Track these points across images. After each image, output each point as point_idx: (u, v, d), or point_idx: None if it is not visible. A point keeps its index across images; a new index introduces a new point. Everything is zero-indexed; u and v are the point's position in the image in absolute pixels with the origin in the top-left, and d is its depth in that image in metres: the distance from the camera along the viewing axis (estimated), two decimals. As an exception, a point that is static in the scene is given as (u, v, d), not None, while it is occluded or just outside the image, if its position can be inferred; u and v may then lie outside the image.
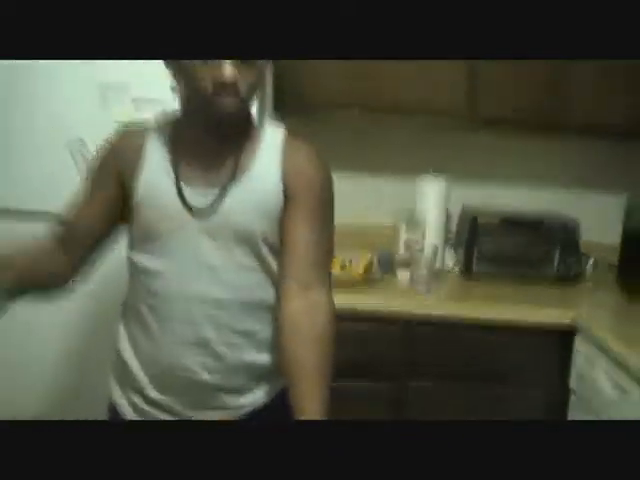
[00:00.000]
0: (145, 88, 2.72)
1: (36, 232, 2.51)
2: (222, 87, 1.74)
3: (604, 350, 2.62)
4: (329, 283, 1.97)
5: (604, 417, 2.60)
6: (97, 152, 2.00)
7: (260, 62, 1.86)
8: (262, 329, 1.94)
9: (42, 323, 2.85)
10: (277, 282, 1.93)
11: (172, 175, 1.88)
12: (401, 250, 3.38)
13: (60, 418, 2.80)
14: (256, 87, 1.86)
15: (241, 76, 1.75)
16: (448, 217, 3.57)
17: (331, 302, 1.92)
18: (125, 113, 2.59)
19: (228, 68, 1.73)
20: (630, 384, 2.38)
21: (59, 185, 2.51)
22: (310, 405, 1.78)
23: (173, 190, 1.87)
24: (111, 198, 1.93)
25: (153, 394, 1.93)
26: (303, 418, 1.78)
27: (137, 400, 1.96)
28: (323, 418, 1.79)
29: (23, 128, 2.81)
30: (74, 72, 2.77)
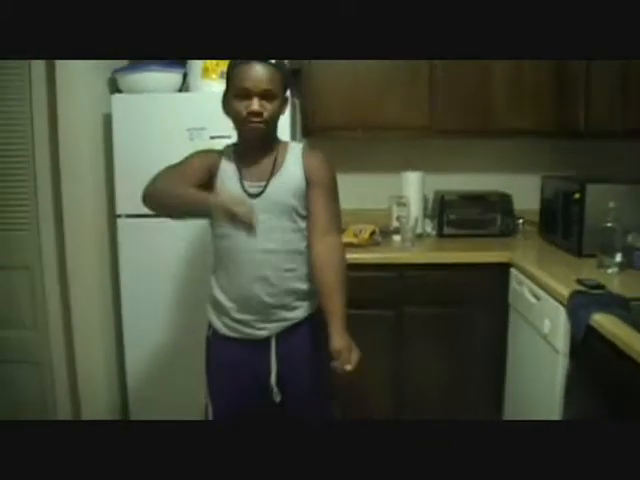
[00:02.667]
0: (217, 129, 2.96)
1: (153, 229, 2.98)
2: (252, 114, 2.11)
3: (527, 275, 2.95)
4: (339, 233, 2.29)
5: (526, 315, 2.93)
6: (196, 152, 2.31)
7: (279, 97, 2.17)
8: (300, 267, 2.26)
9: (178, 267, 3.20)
10: (307, 235, 2.25)
11: (237, 175, 2.23)
12: (394, 222, 3.68)
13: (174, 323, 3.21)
14: (276, 115, 2.19)
15: (264, 108, 2.12)
16: (425, 198, 3.86)
17: (342, 244, 2.26)
18: (205, 145, 2.66)
19: (256, 102, 2.10)
20: (541, 293, 2.73)
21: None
22: (335, 307, 2.11)
23: (238, 184, 2.21)
24: (204, 174, 2.25)
25: (236, 314, 2.26)
26: (330, 316, 2.10)
27: (226, 320, 2.29)
28: (344, 315, 2.10)
29: (140, 155, 3.09)
30: (171, 120, 3.14)
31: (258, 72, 2.11)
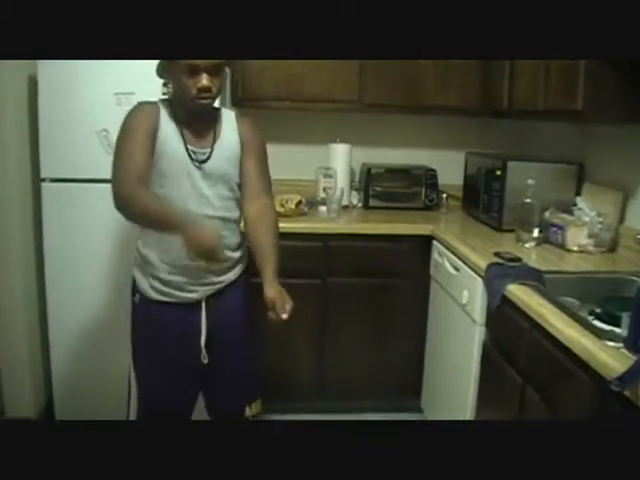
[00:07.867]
0: (145, 94, 2.67)
1: (78, 194, 2.95)
2: (202, 90, 2.12)
3: (448, 247, 3.02)
4: (272, 196, 2.42)
5: (445, 286, 3.01)
6: (130, 115, 2.20)
7: (224, 73, 2.20)
8: (231, 235, 2.31)
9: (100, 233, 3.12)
10: (241, 199, 2.33)
11: (180, 138, 2.21)
12: (320, 193, 3.76)
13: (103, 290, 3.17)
14: (221, 89, 2.22)
15: (213, 83, 2.13)
16: (352, 170, 3.91)
17: (274, 205, 2.41)
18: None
19: (205, 78, 2.10)
20: (461, 264, 2.80)
21: (90, 159, 2.98)
22: (268, 261, 2.24)
23: (182, 148, 2.20)
24: (151, 142, 2.16)
25: (167, 276, 2.26)
26: (263, 270, 2.22)
27: (155, 283, 2.29)
28: (276, 269, 2.23)
29: (67, 118, 3.04)
30: (98, 85, 3.04)
31: None
